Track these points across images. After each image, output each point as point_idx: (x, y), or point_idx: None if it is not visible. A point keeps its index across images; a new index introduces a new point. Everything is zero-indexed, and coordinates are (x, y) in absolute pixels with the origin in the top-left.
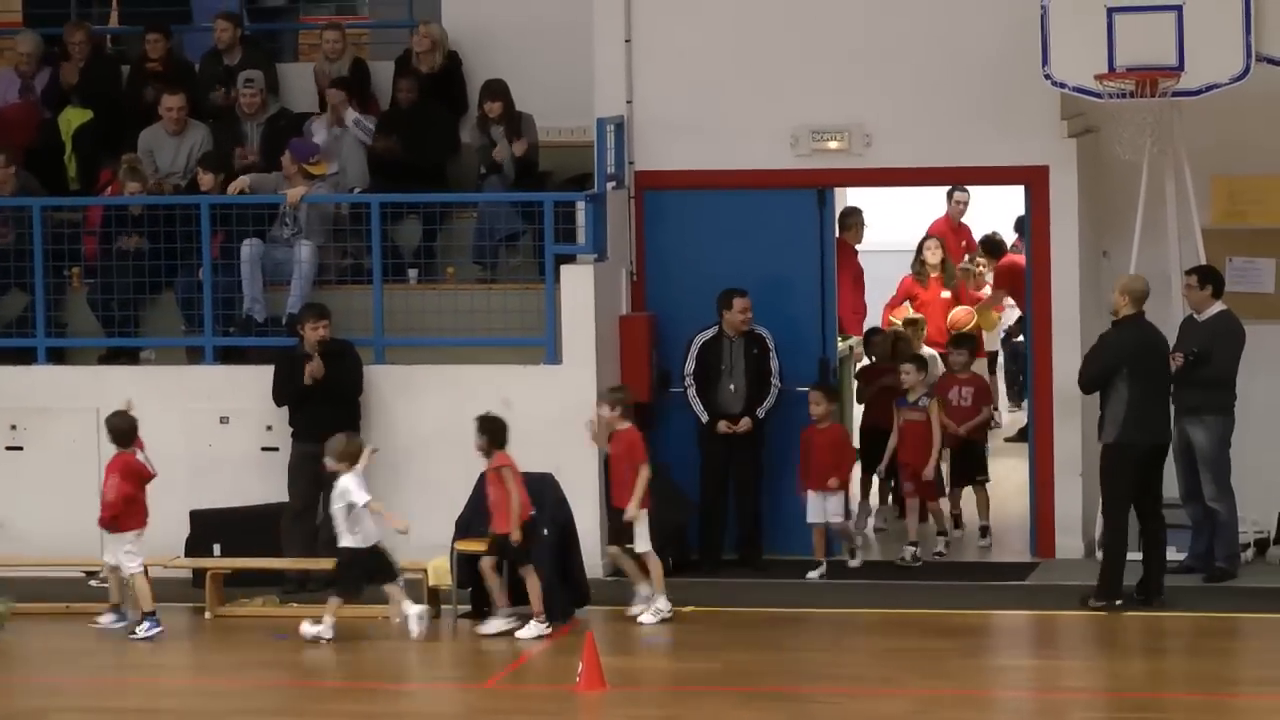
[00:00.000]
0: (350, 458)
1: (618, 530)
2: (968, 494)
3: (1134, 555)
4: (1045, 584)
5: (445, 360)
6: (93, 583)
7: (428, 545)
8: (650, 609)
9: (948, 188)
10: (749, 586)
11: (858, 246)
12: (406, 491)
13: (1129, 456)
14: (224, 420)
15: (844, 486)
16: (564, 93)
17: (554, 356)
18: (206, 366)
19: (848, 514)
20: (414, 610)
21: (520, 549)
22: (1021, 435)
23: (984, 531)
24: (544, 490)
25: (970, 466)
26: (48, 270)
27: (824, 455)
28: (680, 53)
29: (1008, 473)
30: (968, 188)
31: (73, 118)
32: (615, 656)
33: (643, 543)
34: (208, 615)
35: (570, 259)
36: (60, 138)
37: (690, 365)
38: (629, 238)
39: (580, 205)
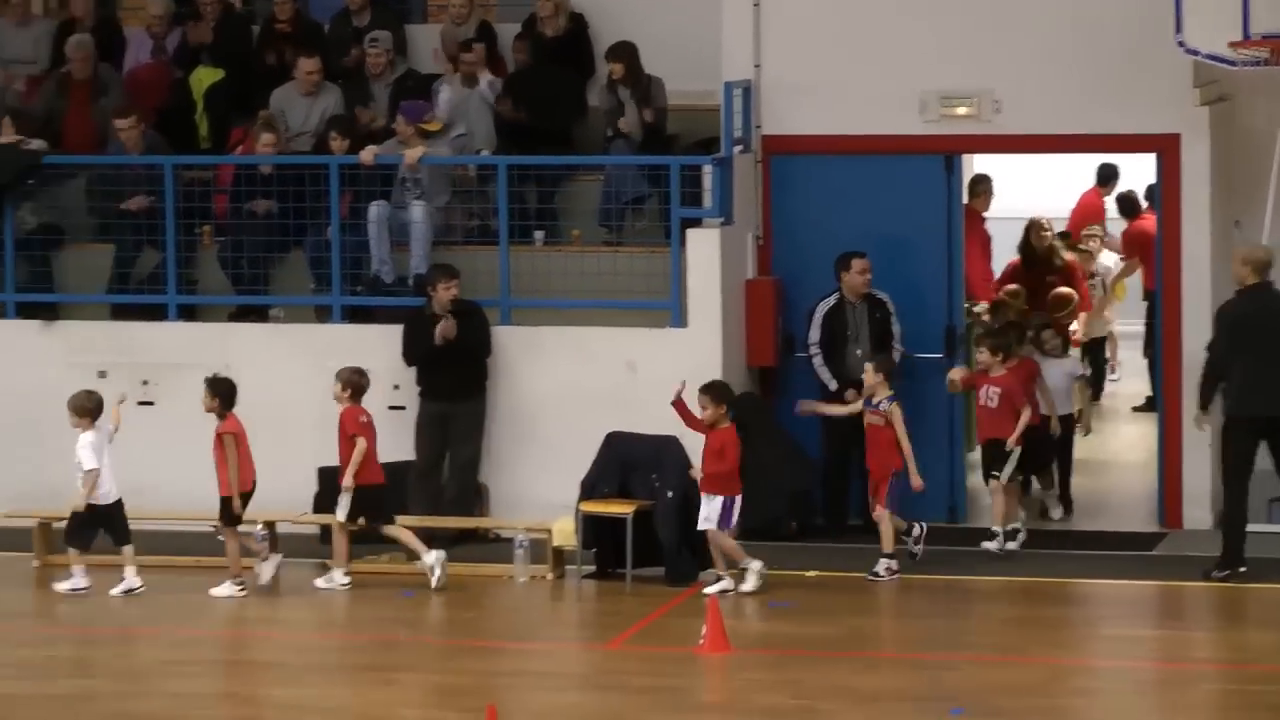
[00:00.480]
0: (88, 414)
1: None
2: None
3: (1259, 526)
4: (1172, 555)
5: (570, 322)
6: (220, 537)
7: (553, 506)
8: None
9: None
10: (873, 551)
11: (985, 214)
12: (531, 452)
13: (1242, 427)
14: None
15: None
16: (691, 56)
17: (679, 320)
18: (335, 325)
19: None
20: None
21: (233, 517)
22: (1149, 405)
23: (1007, 536)
24: (667, 453)
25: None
26: (179, 228)
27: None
28: (809, 16)
29: (1135, 442)
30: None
31: (204, 77)
32: (739, 619)
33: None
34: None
35: (696, 223)
36: (192, 97)
37: (815, 334)
38: (755, 202)
39: (707, 169)
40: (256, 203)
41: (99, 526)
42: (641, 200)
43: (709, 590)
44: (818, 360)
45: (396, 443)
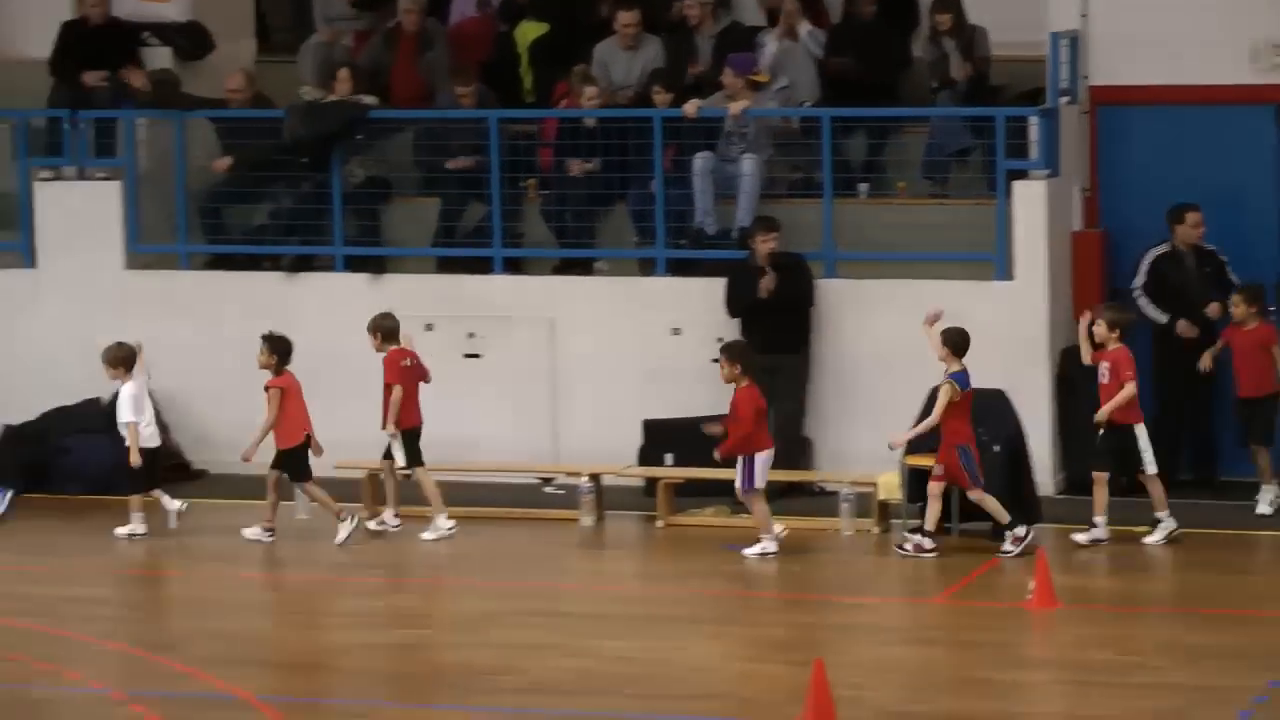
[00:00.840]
0: (121, 364)
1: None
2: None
3: None
4: None
5: (895, 275)
6: (548, 489)
7: (878, 459)
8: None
9: None
10: (1204, 508)
11: None
12: (856, 405)
13: None
14: (676, 331)
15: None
16: (1017, 6)
17: (1005, 272)
18: (659, 278)
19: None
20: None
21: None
22: None
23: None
24: (995, 407)
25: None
26: (504, 182)
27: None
28: None
29: None
30: None
31: (528, 31)
32: (1067, 575)
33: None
34: (659, 524)
35: (1022, 174)
36: (516, 51)
37: (1141, 279)
38: (1082, 154)
39: (1033, 120)
40: (576, 164)
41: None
42: (966, 152)
43: (747, 552)
44: (1143, 300)
45: (720, 396)
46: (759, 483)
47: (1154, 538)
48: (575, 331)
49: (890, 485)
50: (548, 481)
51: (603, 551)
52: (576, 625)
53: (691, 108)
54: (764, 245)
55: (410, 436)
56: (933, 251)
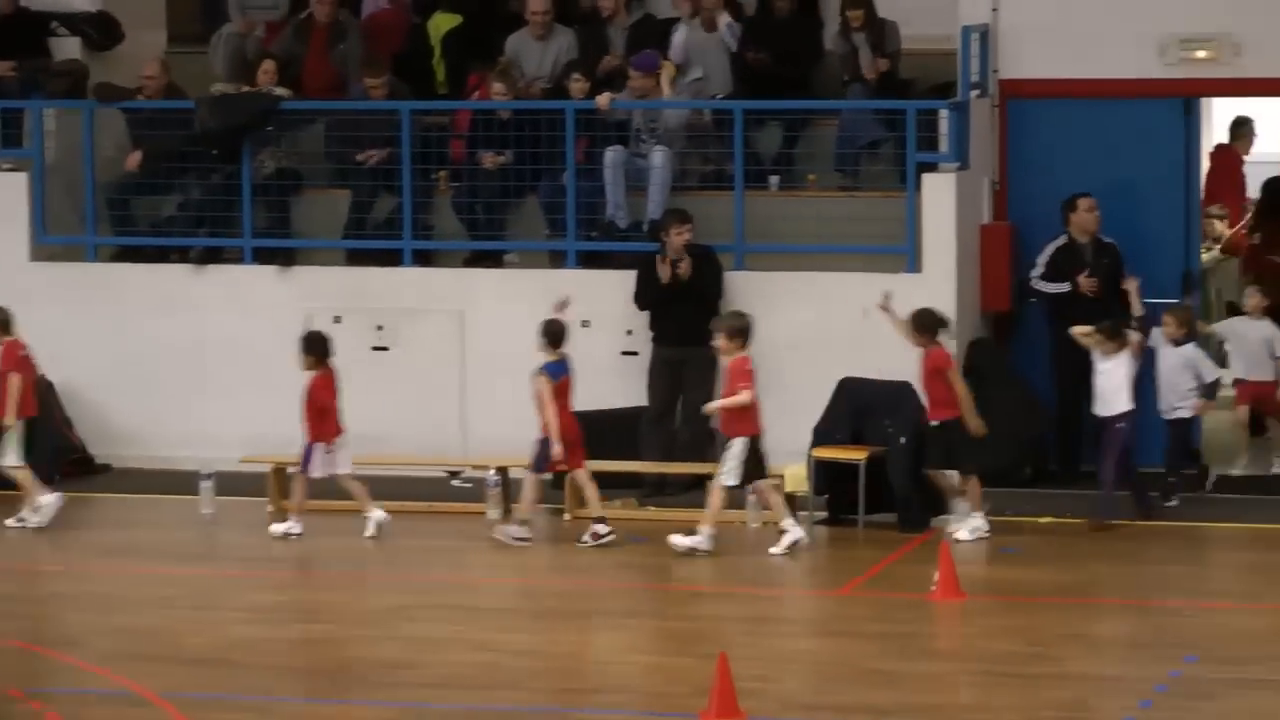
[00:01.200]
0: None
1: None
2: None
3: None
4: None
5: (805, 267)
6: (455, 483)
7: (786, 452)
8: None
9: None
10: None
11: (1246, 156)
12: (764, 397)
13: None
14: (585, 324)
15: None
16: (927, 0)
17: (914, 265)
18: (569, 270)
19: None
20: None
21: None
22: None
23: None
24: (902, 399)
25: None
26: (415, 174)
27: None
28: None
29: None
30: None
31: (441, 23)
32: (971, 566)
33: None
34: (567, 517)
35: (932, 168)
36: (429, 43)
37: (1039, 269)
38: (992, 147)
39: (943, 113)
40: (488, 157)
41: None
42: (877, 145)
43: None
44: (1041, 283)
45: (629, 388)
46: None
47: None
48: (485, 324)
49: (798, 478)
50: (455, 475)
51: (509, 545)
52: (483, 619)
53: (604, 100)
54: (677, 238)
55: None
56: (843, 244)
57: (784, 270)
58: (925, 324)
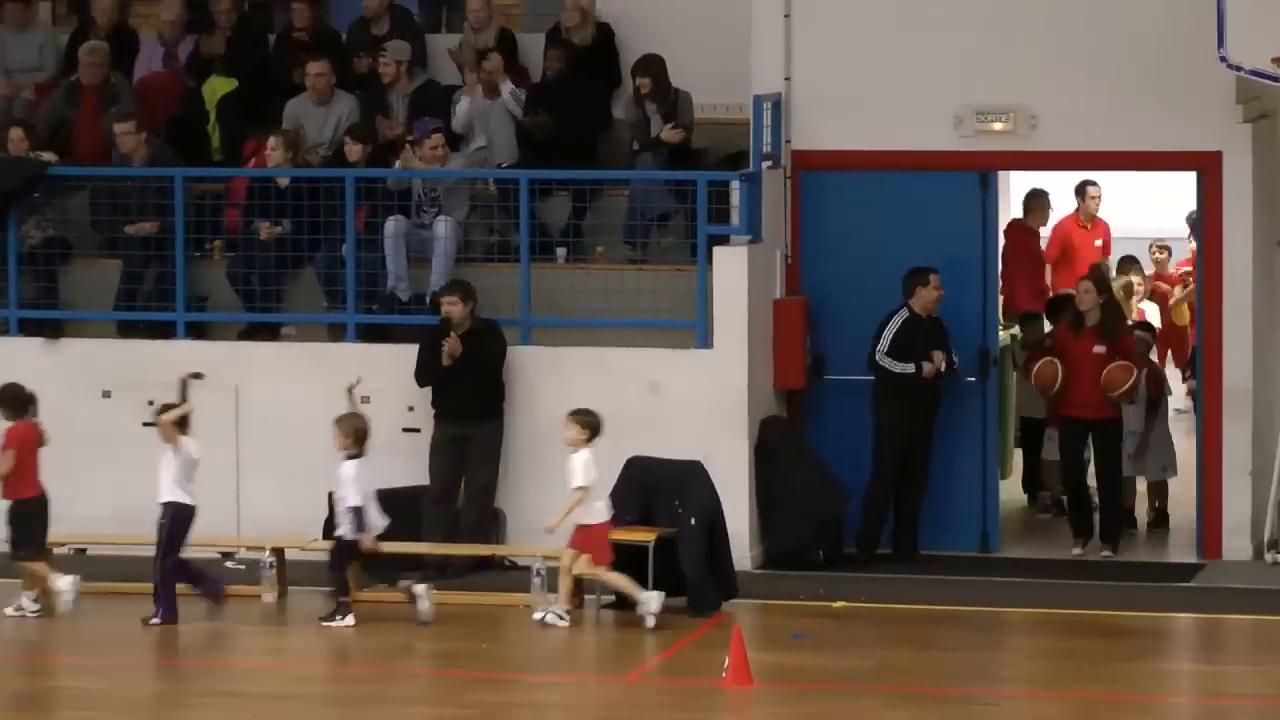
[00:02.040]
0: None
1: None
2: None
3: None
4: (1211, 586)
5: (593, 342)
6: (229, 564)
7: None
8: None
9: (1078, 181)
10: (904, 582)
11: (1041, 229)
12: (550, 476)
13: None
14: (365, 400)
15: None
16: (720, 68)
17: (705, 340)
18: (348, 344)
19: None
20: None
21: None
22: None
23: None
24: (692, 479)
25: None
26: (189, 243)
27: None
28: (841, 28)
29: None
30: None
31: (217, 87)
32: (763, 652)
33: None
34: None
35: (723, 240)
36: (204, 107)
37: (884, 344)
38: (784, 219)
39: (735, 185)
40: (265, 227)
41: None
42: (667, 217)
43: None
44: (887, 360)
45: (411, 466)
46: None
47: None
48: (260, 399)
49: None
50: (229, 556)
51: (286, 629)
52: (259, 707)
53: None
54: (451, 308)
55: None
56: (632, 318)
57: (571, 345)
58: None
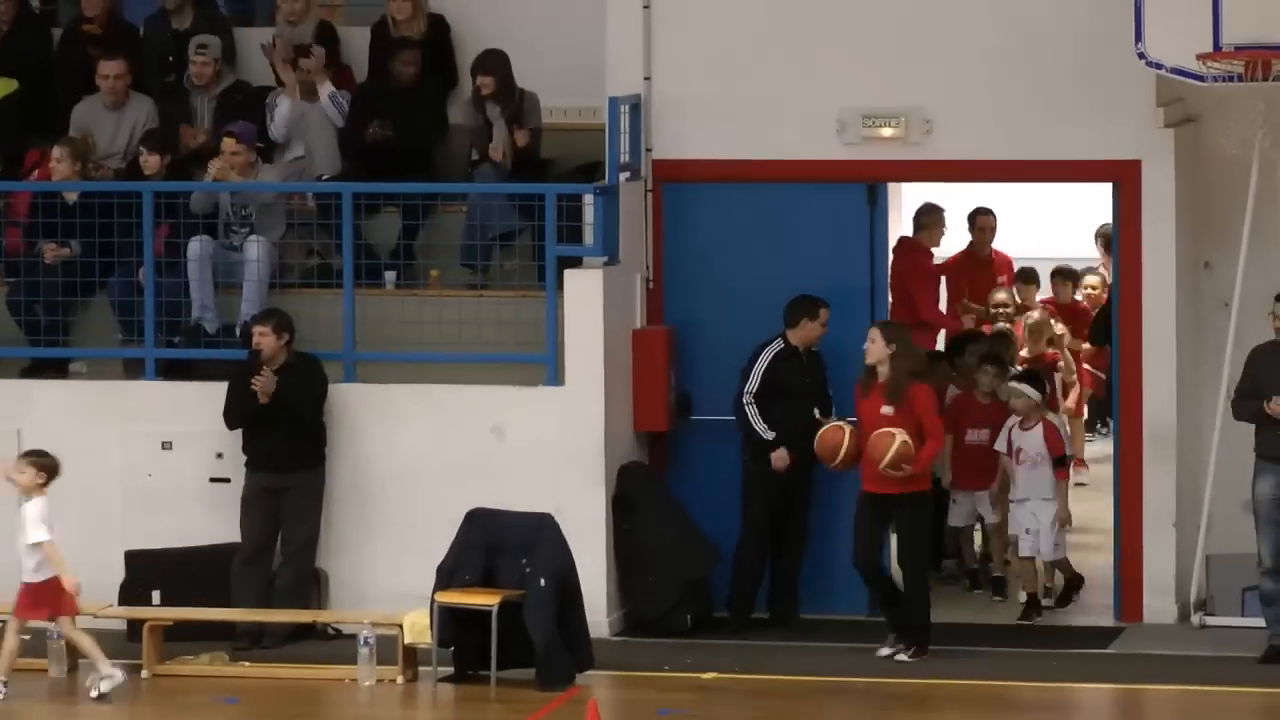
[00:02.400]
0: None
1: None
2: None
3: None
4: (1131, 653)
5: (427, 379)
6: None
7: (404, 596)
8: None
9: (970, 210)
10: (782, 650)
11: (934, 249)
12: (379, 532)
13: None
14: (166, 445)
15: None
16: (571, 67)
17: (555, 377)
18: (147, 382)
19: None
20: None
21: None
22: None
23: None
24: (541, 534)
25: None
26: None
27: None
28: (708, 21)
29: (1088, 522)
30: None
31: None
32: None
33: None
34: (145, 674)
35: (576, 262)
36: None
37: (754, 383)
38: (645, 238)
39: (588, 199)
40: (50, 249)
41: None
42: (511, 236)
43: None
44: (752, 410)
45: (221, 521)
46: None
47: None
48: (47, 445)
49: (419, 627)
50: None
51: (77, 707)
52: None
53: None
54: (263, 339)
55: None
56: (471, 352)
57: (402, 382)
58: None
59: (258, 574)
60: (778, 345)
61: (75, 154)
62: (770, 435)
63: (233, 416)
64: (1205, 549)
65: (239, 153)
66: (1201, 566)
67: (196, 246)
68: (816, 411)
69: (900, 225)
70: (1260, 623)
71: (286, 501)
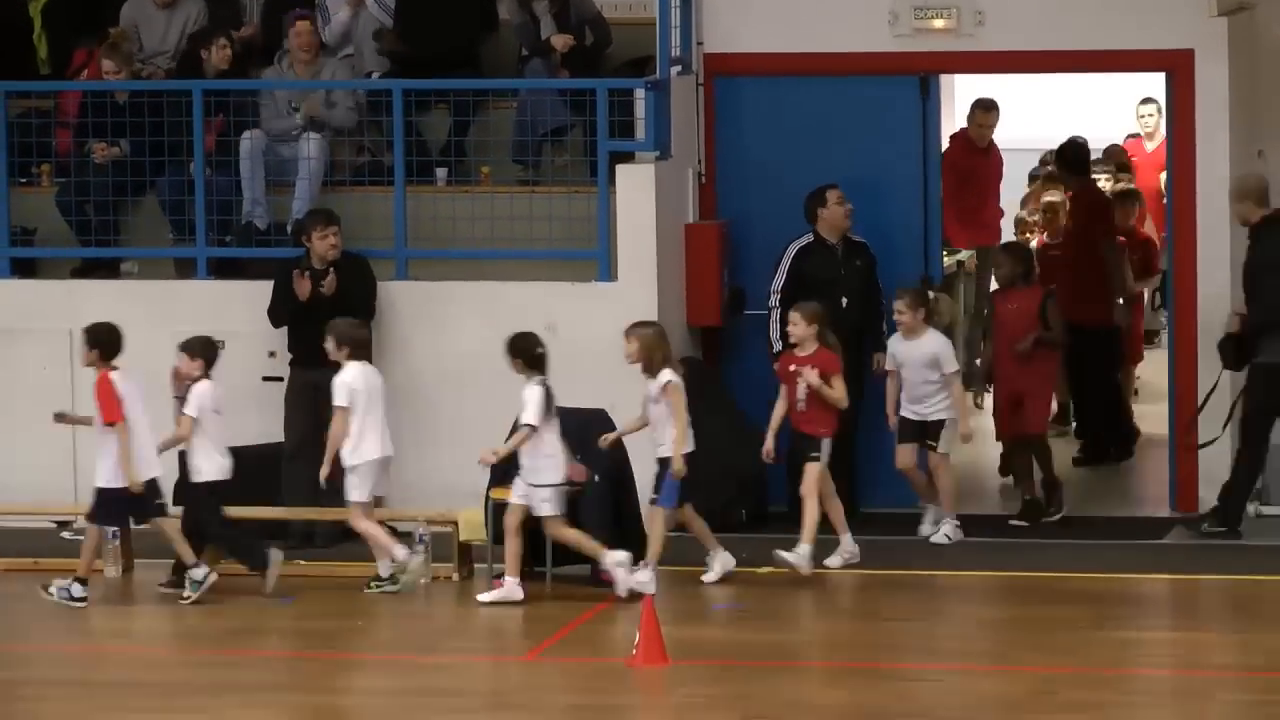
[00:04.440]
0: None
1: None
2: None
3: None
4: (1186, 544)
5: (479, 276)
6: (66, 534)
7: (459, 493)
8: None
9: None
10: (839, 545)
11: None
12: (432, 430)
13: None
14: (220, 344)
15: None
16: None
17: (608, 272)
18: (199, 281)
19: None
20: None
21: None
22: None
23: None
24: (595, 430)
25: None
26: (12, 168)
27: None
28: None
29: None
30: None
31: None
32: (679, 625)
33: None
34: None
35: (628, 157)
36: (28, 15)
37: (779, 280)
38: (697, 132)
39: (639, 94)
40: (100, 148)
41: None
42: (563, 131)
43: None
44: (775, 314)
45: (273, 420)
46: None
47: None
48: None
49: (474, 524)
50: (65, 525)
51: (132, 608)
52: (103, 695)
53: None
54: (322, 243)
55: None
56: (524, 249)
57: (455, 279)
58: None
59: (304, 472)
60: (806, 239)
61: (122, 59)
62: (778, 347)
63: (278, 315)
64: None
65: (304, 34)
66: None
67: (249, 143)
68: (844, 301)
69: (954, 119)
70: None
71: (328, 399)
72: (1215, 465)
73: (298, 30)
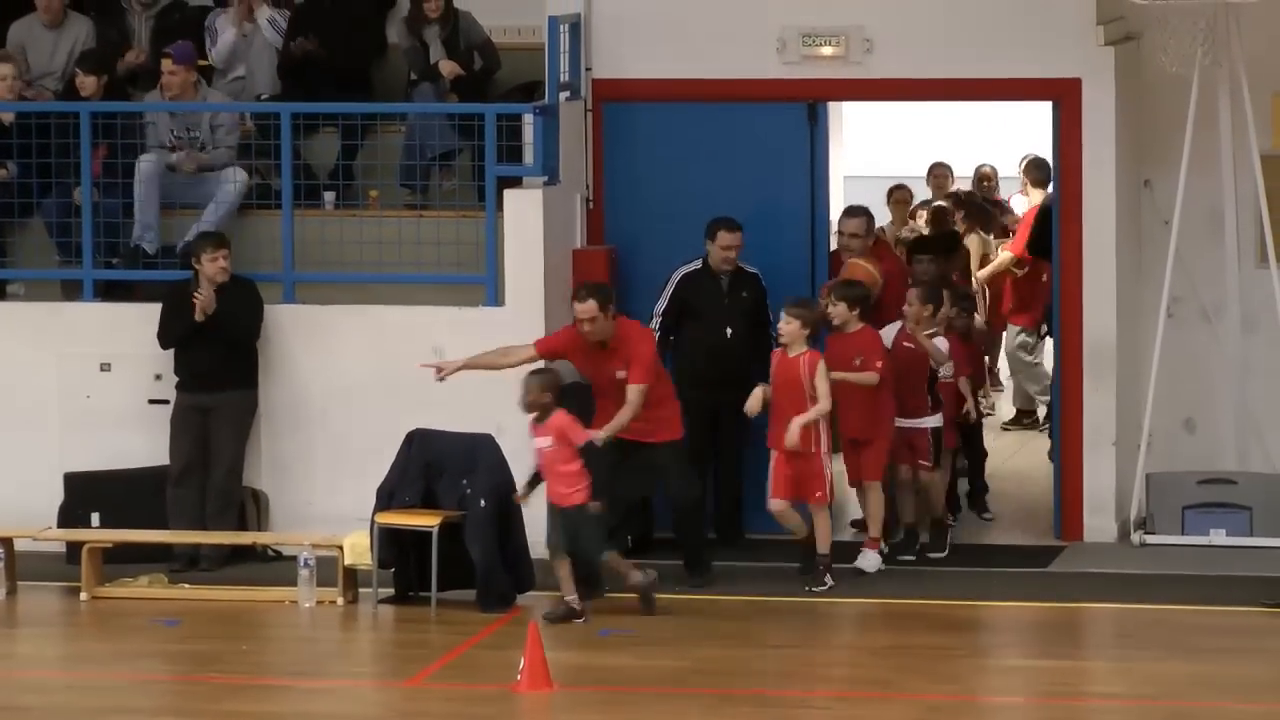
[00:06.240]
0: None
1: None
2: None
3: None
4: (1071, 571)
5: (367, 299)
6: None
7: (344, 518)
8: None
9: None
10: (725, 570)
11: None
12: (318, 454)
13: None
14: (105, 367)
15: None
16: None
17: (495, 297)
18: (85, 304)
19: None
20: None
21: None
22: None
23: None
24: (481, 454)
25: None
26: None
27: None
28: None
29: (1027, 440)
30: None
31: None
32: (564, 651)
33: None
34: (84, 596)
35: (515, 182)
36: None
37: (662, 304)
38: (585, 158)
39: (528, 119)
40: None
41: None
42: (451, 156)
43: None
44: (658, 336)
45: (160, 443)
46: None
47: None
48: None
49: (359, 548)
50: None
51: (15, 631)
52: None
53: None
54: (212, 265)
55: None
56: (411, 273)
57: (342, 303)
58: None
59: (189, 495)
60: (694, 265)
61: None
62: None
63: (167, 336)
64: (1145, 467)
65: (176, 73)
66: (1142, 485)
67: (148, 166)
68: (729, 331)
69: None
70: (1199, 540)
71: (212, 422)
72: (1101, 491)
73: (170, 70)
